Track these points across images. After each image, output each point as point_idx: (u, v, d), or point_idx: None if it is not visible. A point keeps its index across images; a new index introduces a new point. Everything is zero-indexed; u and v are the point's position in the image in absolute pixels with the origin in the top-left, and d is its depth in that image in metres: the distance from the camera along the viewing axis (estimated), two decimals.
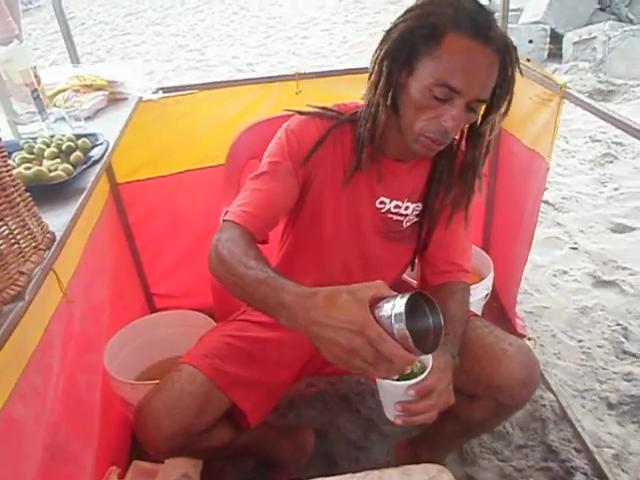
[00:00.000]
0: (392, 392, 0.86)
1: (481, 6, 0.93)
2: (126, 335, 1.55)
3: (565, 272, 2.26)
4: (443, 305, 1.07)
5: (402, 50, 0.95)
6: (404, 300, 0.69)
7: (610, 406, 1.65)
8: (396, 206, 1.13)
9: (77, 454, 1.21)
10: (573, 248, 2.41)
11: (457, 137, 1.07)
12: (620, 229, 2.54)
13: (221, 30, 7.26)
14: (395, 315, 0.69)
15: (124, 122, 1.33)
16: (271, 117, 1.43)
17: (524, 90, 1.62)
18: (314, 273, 1.20)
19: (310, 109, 1.10)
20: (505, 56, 0.94)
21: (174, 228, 1.82)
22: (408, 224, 1.16)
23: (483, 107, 0.99)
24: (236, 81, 1.62)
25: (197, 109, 1.61)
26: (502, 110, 1.00)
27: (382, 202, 1.12)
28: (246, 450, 1.32)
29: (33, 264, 0.78)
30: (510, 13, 5.86)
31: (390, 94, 0.98)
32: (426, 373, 0.85)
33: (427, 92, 0.93)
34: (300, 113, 1.10)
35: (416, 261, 1.23)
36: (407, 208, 1.14)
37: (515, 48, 0.95)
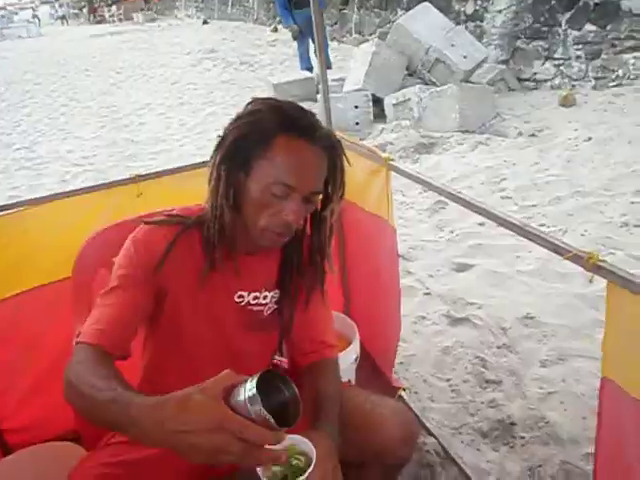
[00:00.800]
0: None
1: (303, 110, 1.04)
2: None
3: (424, 317, 2.44)
4: (316, 386, 1.11)
5: (237, 154, 1.01)
6: (254, 382, 0.69)
7: (483, 435, 1.79)
8: (255, 297, 1.16)
9: None
10: (426, 293, 2.62)
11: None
12: (462, 268, 2.82)
13: (51, 124, 6.99)
14: (249, 398, 0.68)
15: None
16: (115, 224, 1.40)
17: (355, 163, 1.77)
18: (186, 379, 1.17)
19: (155, 218, 1.12)
20: (332, 151, 1.05)
21: (24, 353, 1.64)
22: (269, 312, 1.19)
23: (320, 196, 1.08)
24: (71, 192, 1.55)
25: (31, 226, 1.51)
26: (338, 196, 1.09)
27: (240, 296, 1.15)
28: None
29: None
30: (334, 83, 6.35)
31: (231, 195, 1.03)
32: (311, 468, 0.86)
33: (266, 191, 1.00)
34: (146, 223, 1.11)
35: (284, 345, 1.26)
36: (265, 297, 1.17)
37: (340, 142, 1.07)
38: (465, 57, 5.60)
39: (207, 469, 1.25)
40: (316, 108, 5.88)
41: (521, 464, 1.67)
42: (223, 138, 1.04)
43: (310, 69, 7.18)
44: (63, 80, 10.02)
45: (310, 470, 0.86)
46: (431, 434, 1.77)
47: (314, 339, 1.21)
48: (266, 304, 1.18)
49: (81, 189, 1.57)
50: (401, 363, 2.13)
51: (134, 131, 6.30)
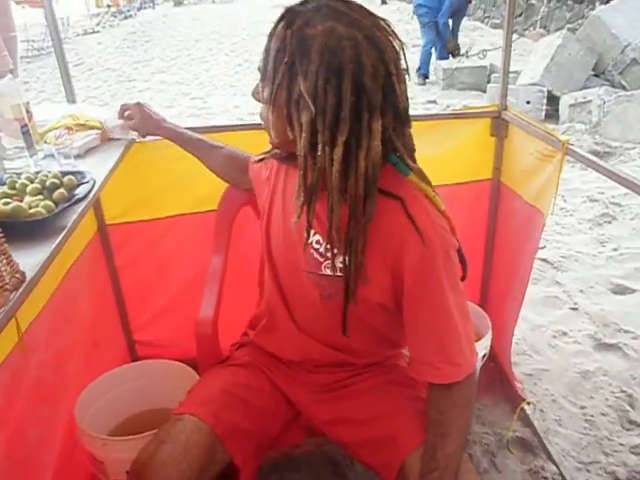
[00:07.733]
0: None
1: None
2: (101, 385, 1.45)
3: (565, 333, 2.19)
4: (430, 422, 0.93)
5: None
6: None
7: None
8: (317, 242, 0.92)
9: None
10: (573, 308, 2.34)
11: None
12: (620, 290, 2.48)
13: (225, 80, 7.41)
14: None
15: (114, 162, 1.29)
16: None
17: (525, 145, 1.61)
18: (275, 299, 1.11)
19: None
20: None
21: (162, 274, 1.74)
22: (328, 272, 0.91)
23: None
24: (233, 126, 1.59)
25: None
26: None
27: (313, 233, 0.92)
28: None
29: None
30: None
31: None
32: None
33: None
34: None
35: None
36: (328, 250, 0.89)
37: None
38: None
39: (306, 426, 1.22)
40: (485, 99, 5.57)
41: None
42: None
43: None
44: (242, 42, 10.57)
45: None
46: (552, 461, 1.57)
47: (419, 358, 0.93)
48: (327, 258, 0.90)
49: (244, 125, 1.59)
50: (530, 375, 1.93)
51: None
